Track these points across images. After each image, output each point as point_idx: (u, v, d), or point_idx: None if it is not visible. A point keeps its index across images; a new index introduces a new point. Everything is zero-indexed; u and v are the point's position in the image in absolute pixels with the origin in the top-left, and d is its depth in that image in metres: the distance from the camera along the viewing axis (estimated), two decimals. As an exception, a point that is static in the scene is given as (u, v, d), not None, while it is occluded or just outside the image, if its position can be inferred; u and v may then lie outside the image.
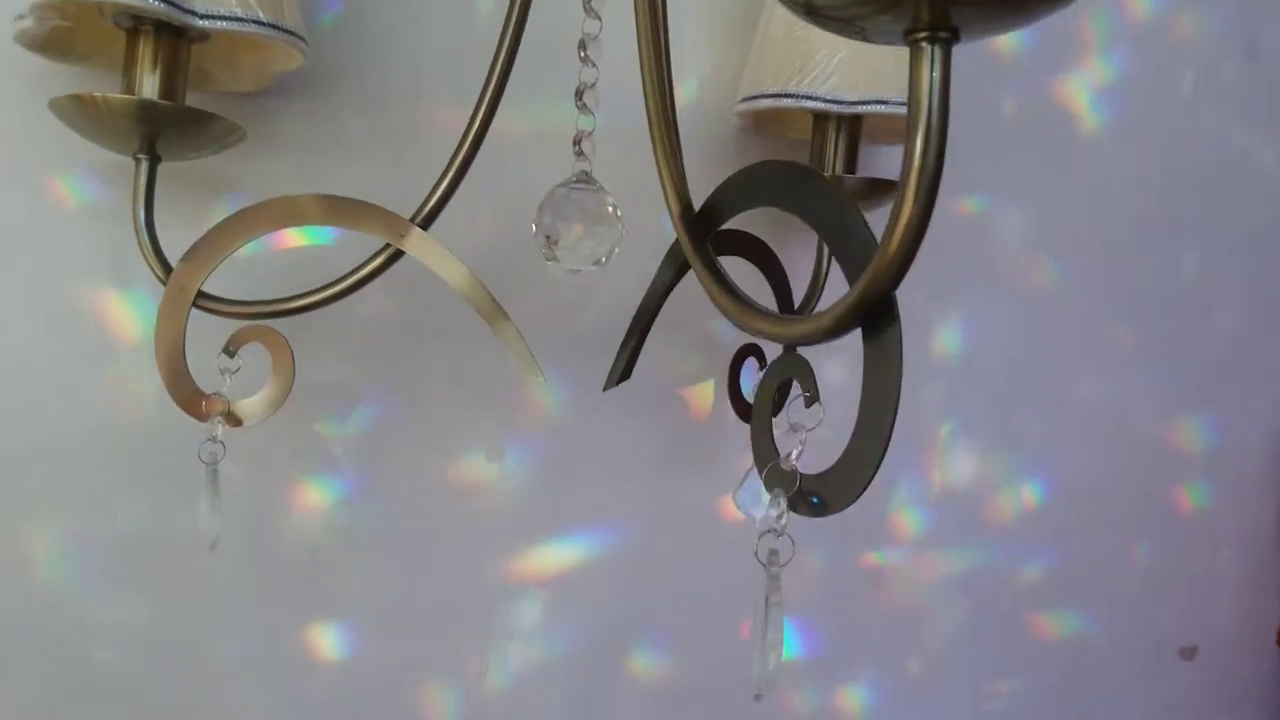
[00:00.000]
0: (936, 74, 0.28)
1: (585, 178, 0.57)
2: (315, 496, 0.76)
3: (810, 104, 0.68)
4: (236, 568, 0.73)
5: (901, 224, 0.30)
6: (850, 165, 0.74)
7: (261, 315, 0.58)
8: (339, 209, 0.56)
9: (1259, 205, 1.07)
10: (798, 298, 0.75)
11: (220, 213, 0.70)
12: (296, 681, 0.77)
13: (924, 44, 0.28)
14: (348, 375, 0.75)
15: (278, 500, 0.75)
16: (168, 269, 0.59)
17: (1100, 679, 1.07)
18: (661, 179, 0.45)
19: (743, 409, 0.72)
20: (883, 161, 0.84)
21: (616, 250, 0.57)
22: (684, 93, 0.78)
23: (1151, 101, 1.00)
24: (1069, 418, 1.01)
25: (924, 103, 0.28)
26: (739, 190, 0.44)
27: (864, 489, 0.35)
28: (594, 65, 0.56)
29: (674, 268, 0.59)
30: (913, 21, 0.28)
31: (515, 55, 0.55)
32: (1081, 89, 0.97)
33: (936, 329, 0.94)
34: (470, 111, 0.57)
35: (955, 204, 0.93)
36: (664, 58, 0.49)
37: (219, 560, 0.67)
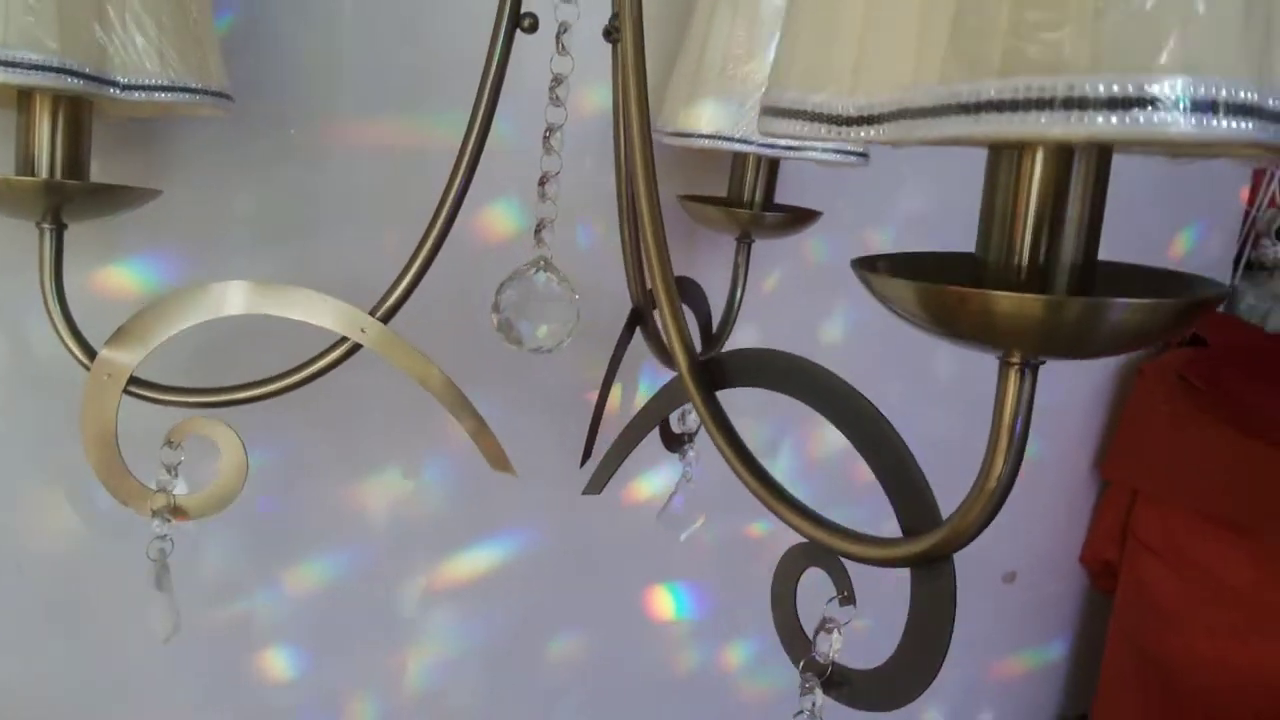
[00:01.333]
0: (1025, 394, 0.30)
1: (544, 264, 0.56)
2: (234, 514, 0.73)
3: (745, 148, 0.69)
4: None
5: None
6: (768, 198, 0.75)
7: (205, 405, 0.55)
8: (288, 299, 0.53)
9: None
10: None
11: (120, 257, 0.64)
12: (227, 697, 0.77)
13: (1014, 368, 0.30)
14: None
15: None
16: (81, 343, 0.55)
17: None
18: (669, 335, 0.46)
19: (670, 438, 0.74)
20: (789, 188, 0.85)
21: (574, 331, 0.57)
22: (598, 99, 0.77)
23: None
24: (928, 388, 1.10)
25: (1007, 417, 0.31)
26: (761, 372, 0.45)
27: (907, 702, 0.39)
28: (562, 105, 0.55)
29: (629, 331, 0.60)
30: (1006, 354, 0.30)
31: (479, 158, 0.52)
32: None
33: (822, 321, 0.99)
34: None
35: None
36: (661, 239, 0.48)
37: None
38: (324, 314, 0.54)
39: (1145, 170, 1.06)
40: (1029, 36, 0.24)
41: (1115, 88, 0.23)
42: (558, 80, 0.53)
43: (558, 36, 0.54)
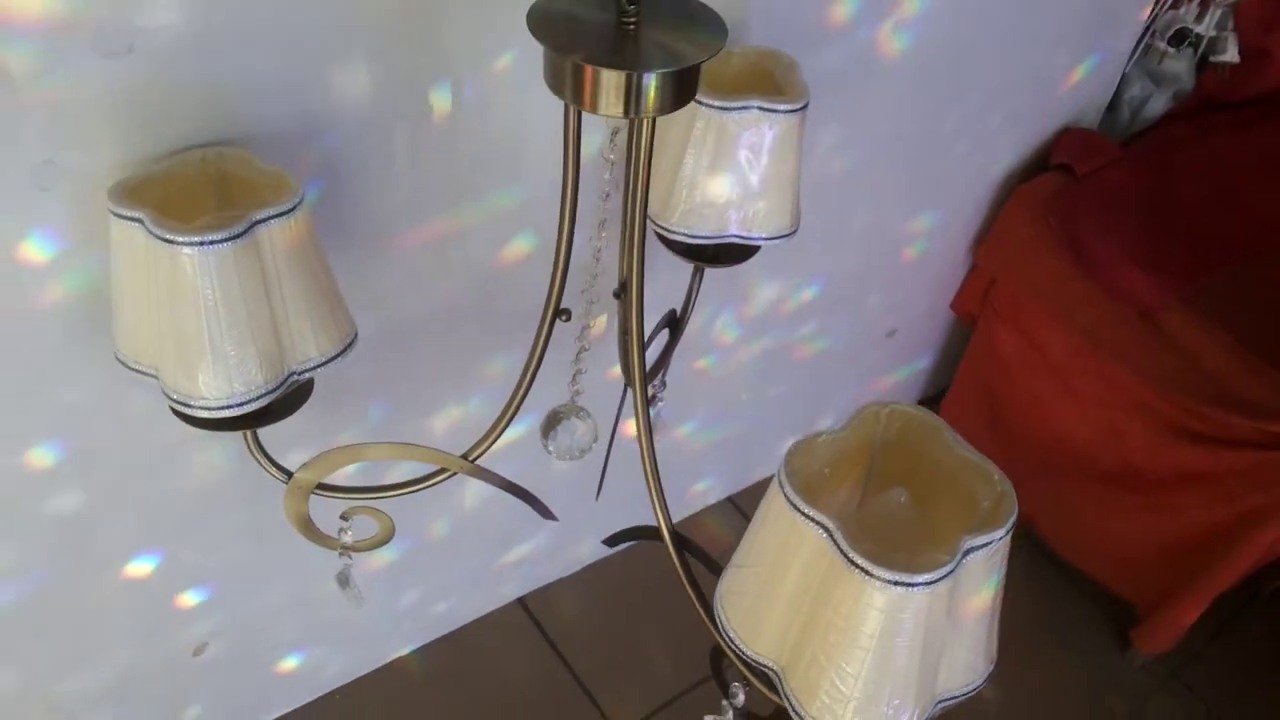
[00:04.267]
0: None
1: (575, 410, 0.85)
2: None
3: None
4: None
5: None
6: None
7: (363, 496, 0.86)
8: (417, 454, 0.82)
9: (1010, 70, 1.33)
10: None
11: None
12: None
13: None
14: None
15: None
16: (281, 470, 0.84)
17: (833, 359, 1.60)
18: (654, 509, 0.77)
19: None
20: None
21: (594, 444, 0.87)
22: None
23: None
24: (846, 238, 1.37)
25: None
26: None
27: None
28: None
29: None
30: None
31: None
32: None
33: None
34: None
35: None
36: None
37: None
38: (438, 458, 0.83)
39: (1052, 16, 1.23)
40: None
41: None
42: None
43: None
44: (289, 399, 0.77)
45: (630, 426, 0.84)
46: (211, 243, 0.64)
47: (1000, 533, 0.51)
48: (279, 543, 0.98)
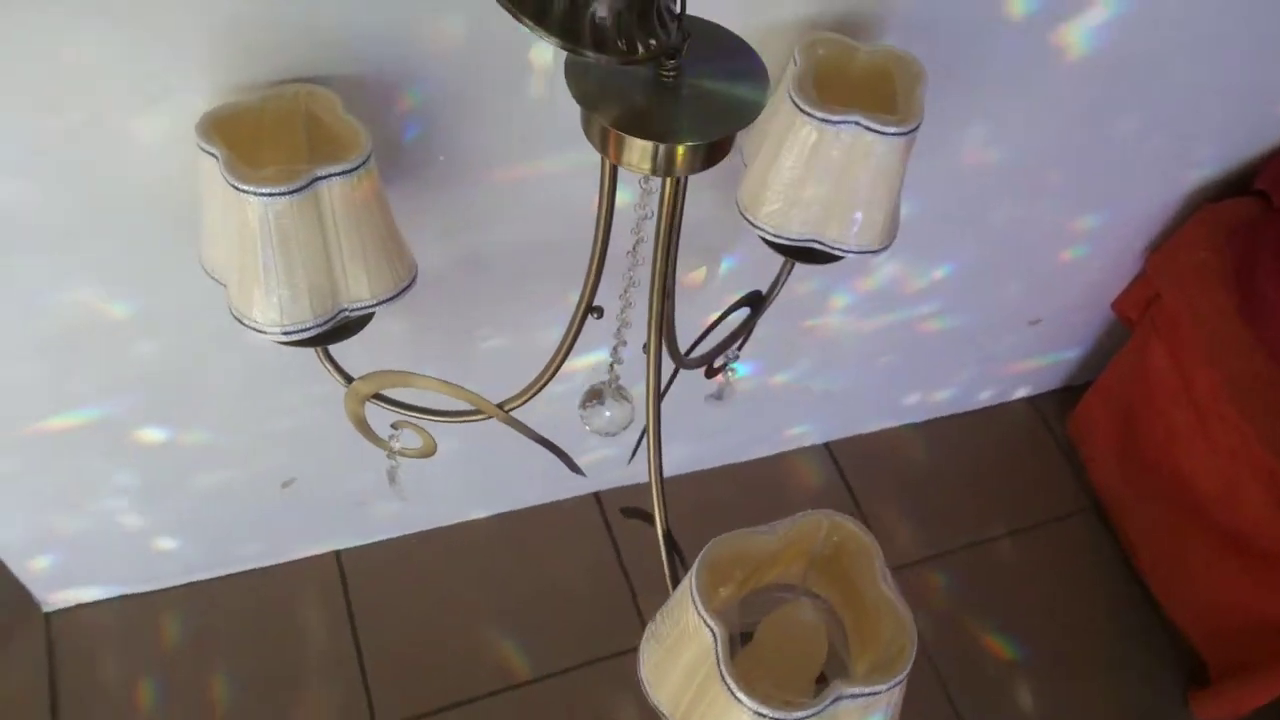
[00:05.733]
0: None
1: (615, 390, 0.87)
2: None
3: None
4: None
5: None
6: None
7: (412, 415, 0.93)
8: (458, 393, 0.88)
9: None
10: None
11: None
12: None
13: None
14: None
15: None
16: (345, 376, 0.91)
17: (958, 338, 1.53)
18: (654, 507, 0.80)
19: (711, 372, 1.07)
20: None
21: (631, 423, 0.89)
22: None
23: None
24: (986, 227, 1.29)
25: None
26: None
27: None
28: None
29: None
30: None
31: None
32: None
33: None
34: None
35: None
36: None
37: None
38: (479, 403, 0.88)
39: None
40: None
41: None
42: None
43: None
44: (351, 324, 0.83)
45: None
46: (272, 194, 0.69)
47: (881, 687, 0.51)
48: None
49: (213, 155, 0.70)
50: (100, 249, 0.87)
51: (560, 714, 1.39)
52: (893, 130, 0.80)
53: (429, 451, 0.96)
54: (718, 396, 1.13)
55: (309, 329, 0.77)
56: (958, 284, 1.37)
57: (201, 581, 1.38)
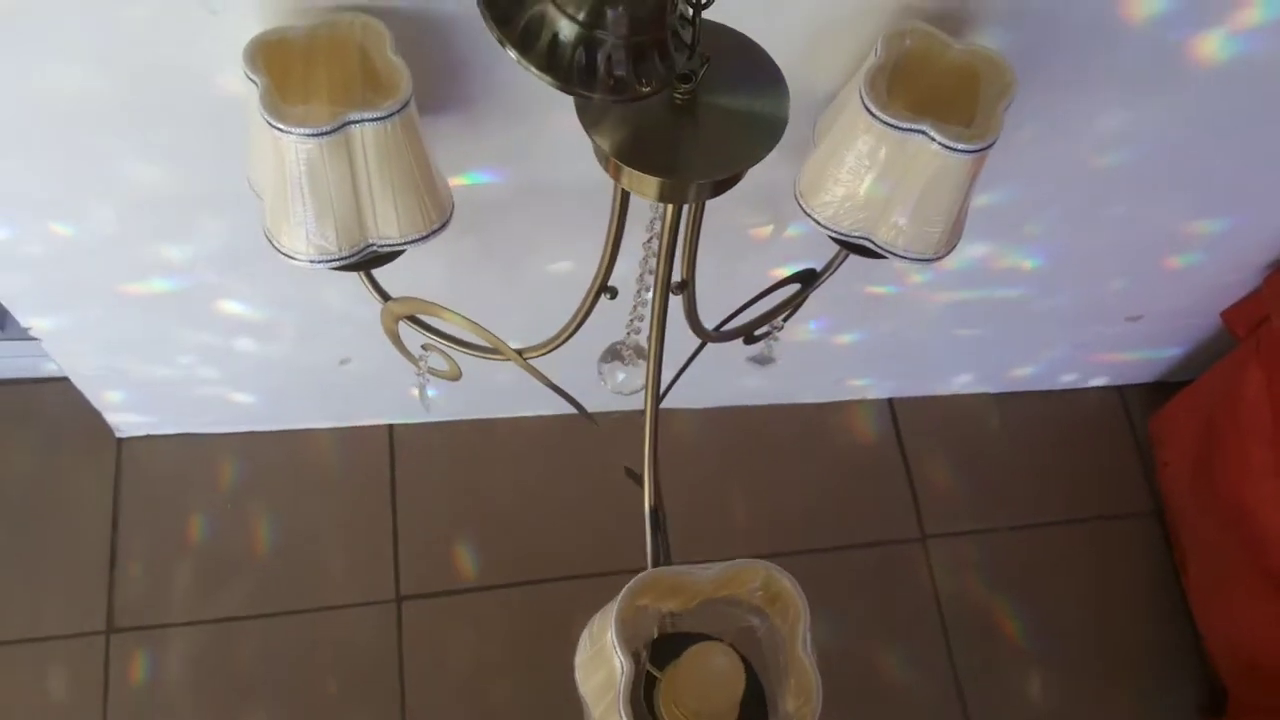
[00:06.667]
0: None
1: (636, 350, 0.86)
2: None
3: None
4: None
5: None
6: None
7: (442, 338, 0.95)
8: (480, 333, 0.89)
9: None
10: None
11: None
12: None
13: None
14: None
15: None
16: (382, 294, 0.93)
17: (1047, 323, 1.46)
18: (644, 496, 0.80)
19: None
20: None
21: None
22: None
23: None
24: (1091, 223, 1.20)
25: None
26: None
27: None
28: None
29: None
30: None
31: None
32: None
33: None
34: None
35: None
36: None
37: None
38: (502, 349, 0.89)
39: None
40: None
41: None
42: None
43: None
44: (383, 255, 0.84)
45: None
46: (303, 134, 0.69)
47: None
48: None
49: (254, 83, 0.71)
50: (170, 133, 0.90)
51: (569, 616, 1.45)
52: (962, 147, 0.75)
53: (454, 376, 0.98)
54: (759, 361, 1.12)
55: (333, 260, 0.78)
56: (1049, 273, 1.29)
57: (261, 432, 1.47)
